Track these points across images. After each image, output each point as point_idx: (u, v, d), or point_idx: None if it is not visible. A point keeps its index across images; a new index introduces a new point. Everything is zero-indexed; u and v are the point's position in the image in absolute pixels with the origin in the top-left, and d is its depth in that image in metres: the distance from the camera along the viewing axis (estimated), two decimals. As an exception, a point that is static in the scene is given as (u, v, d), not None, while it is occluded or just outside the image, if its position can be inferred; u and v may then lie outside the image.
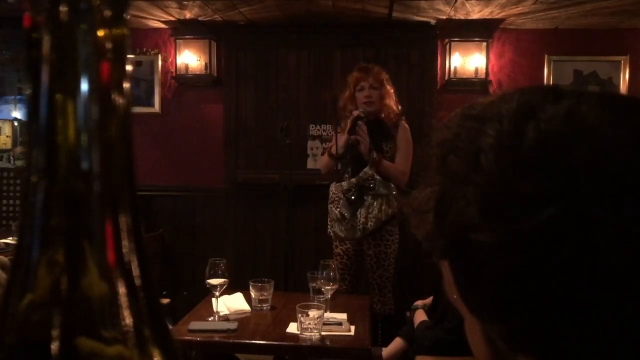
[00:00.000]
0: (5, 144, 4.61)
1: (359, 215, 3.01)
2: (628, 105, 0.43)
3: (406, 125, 3.20)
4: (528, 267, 0.39)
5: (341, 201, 3.04)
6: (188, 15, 3.88)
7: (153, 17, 3.93)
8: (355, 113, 3.05)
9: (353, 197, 3.00)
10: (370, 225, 3.01)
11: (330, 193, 3.15)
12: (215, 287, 2.36)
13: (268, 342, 2.19)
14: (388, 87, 3.15)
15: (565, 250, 0.38)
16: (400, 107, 3.20)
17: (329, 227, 3.23)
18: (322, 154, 3.95)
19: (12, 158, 4.49)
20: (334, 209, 3.11)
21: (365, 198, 3.02)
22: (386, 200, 3.03)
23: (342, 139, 3.08)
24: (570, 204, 0.38)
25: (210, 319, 2.35)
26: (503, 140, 0.42)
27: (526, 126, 0.41)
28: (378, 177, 3.03)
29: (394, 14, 3.76)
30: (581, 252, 0.38)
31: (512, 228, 0.39)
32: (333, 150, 3.14)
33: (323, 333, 2.18)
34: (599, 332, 0.39)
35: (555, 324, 0.40)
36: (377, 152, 3.09)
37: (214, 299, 2.40)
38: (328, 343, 2.17)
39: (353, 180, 3.04)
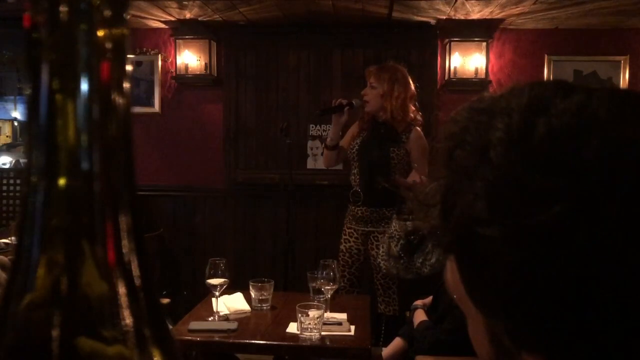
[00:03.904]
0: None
1: (415, 259, 2.92)
2: (639, 101, 0.43)
3: (419, 130, 3.08)
4: (536, 262, 0.39)
5: (401, 241, 2.92)
6: (188, 15, 3.87)
7: (153, 17, 3.93)
8: (346, 100, 3.13)
9: (415, 241, 2.92)
10: (425, 271, 2.92)
11: (392, 228, 2.98)
12: (215, 287, 2.36)
13: (268, 342, 2.19)
14: (392, 87, 3.00)
15: (574, 246, 0.38)
16: (413, 112, 3.07)
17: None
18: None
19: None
20: (392, 245, 3.03)
21: (426, 243, 2.91)
22: None
23: (332, 129, 3.20)
24: (580, 199, 0.38)
25: (210, 319, 2.35)
26: (513, 134, 0.42)
27: (536, 121, 0.41)
28: None
29: (394, 14, 3.75)
30: (590, 248, 0.38)
31: (521, 223, 0.39)
32: (327, 141, 3.24)
33: (323, 333, 2.18)
34: (605, 329, 0.39)
35: (561, 320, 0.40)
36: (381, 156, 3.06)
37: (214, 299, 2.40)
38: (328, 343, 2.17)
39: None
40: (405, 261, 2.93)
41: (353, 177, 3.19)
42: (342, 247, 3.26)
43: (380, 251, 3.04)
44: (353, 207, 3.18)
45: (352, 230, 3.22)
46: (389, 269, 3.01)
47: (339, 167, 3.90)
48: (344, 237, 3.26)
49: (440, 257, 2.85)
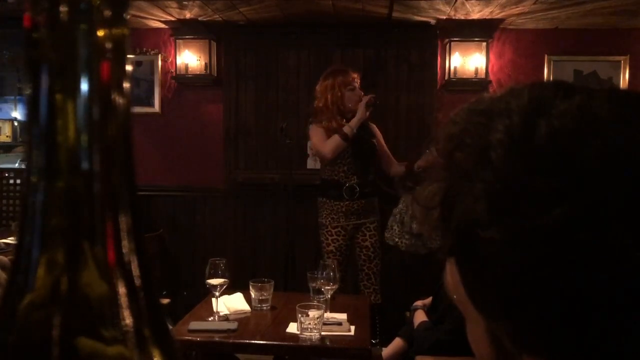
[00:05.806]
0: (5, 144, 4.60)
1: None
2: (639, 101, 0.43)
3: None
4: (537, 264, 0.39)
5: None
6: (188, 15, 3.87)
7: (153, 17, 3.93)
8: (366, 98, 3.21)
9: None
10: (435, 245, 3.02)
11: (400, 206, 3.21)
12: (215, 287, 2.36)
13: (268, 342, 2.19)
14: None
15: (575, 248, 0.38)
16: None
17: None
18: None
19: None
20: (409, 223, 3.11)
21: None
22: None
23: (354, 120, 3.20)
24: (581, 201, 0.38)
25: (210, 319, 2.35)
26: (513, 136, 0.41)
27: (537, 122, 0.41)
28: None
29: (394, 14, 3.75)
30: (591, 250, 0.38)
31: (522, 225, 0.39)
32: (348, 131, 3.18)
33: (323, 333, 2.18)
34: (607, 331, 0.39)
35: (563, 322, 0.39)
36: (370, 147, 3.30)
37: (214, 299, 2.39)
38: (328, 343, 2.17)
39: None
40: (423, 237, 3.01)
41: (343, 174, 3.26)
42: (331, 247, 3.27)
43: (396, 231, 3.11)
44: (347, 202, 3.23)
45: (340, 229, 3.26)
46: (408, 247, 3.11)
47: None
48: (330, 237, 3.28)
49: None
